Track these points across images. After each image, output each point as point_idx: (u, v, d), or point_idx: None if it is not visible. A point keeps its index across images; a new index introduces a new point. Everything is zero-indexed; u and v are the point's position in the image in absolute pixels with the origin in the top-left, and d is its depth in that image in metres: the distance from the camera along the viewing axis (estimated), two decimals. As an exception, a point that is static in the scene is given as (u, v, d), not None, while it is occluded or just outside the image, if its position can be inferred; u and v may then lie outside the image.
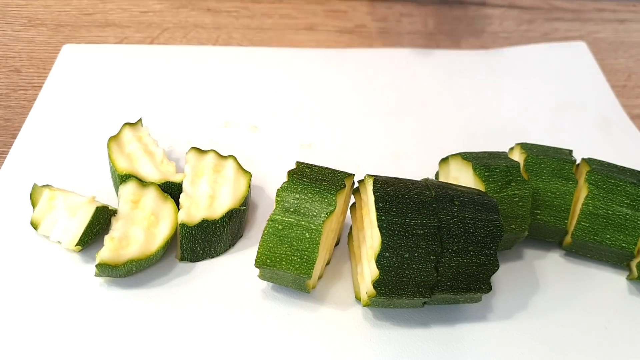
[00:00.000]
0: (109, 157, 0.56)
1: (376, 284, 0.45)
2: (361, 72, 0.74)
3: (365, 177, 0.50)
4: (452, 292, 0.46)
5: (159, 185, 0.54)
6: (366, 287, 0.47)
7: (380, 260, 0.45)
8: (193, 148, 0.57)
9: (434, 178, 0.59)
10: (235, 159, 0.57)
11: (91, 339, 0.47)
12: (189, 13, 0.83)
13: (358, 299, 0.50)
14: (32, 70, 0.73)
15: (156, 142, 0.58)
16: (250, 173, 0.56)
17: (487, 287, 0.47)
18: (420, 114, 0.70)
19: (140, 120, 0.60)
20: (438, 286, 0.46)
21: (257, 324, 0.49)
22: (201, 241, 0.52)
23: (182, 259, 0.53)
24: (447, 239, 0.46)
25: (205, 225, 0.51)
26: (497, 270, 0.47)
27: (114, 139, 0.57)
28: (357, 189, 0.52)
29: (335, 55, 0.77)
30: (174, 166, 0.57)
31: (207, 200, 0.53)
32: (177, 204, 0.53)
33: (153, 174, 0.55)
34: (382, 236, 0.45)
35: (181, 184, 0.54)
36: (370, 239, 0.47)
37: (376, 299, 0.46)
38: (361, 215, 0.51)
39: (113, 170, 0.55)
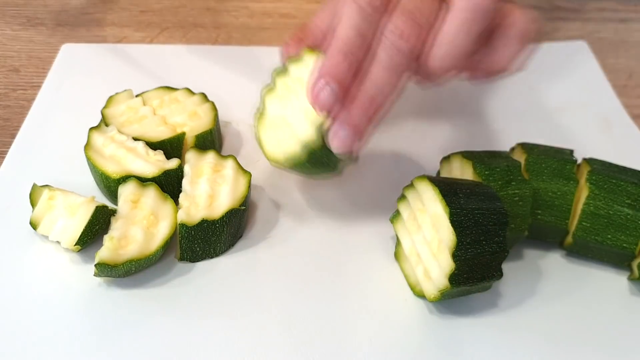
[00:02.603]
0: (95, 166, 0.55)
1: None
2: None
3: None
4: (469, 283, 0.47)
5: (159, 176, 0.54)
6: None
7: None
8: (192, 148, 0.57)
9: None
10: (235, 159, 0.57)
11: (91, 339, 0.47)
12: (189, 12, 0.83)
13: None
14: (31, 70, 0.73)
15: (129, 137, 0.57)
16: (250, 173, 0.56)
17: (499, 274, 0.48)
18: (420, 114, 0.70)
19: (101, 121, 0.59)
20: (455, 280, 0.46)
21: (257, 324, 0.49)
22: (200, 241, 0.52)
23: (182, 258, 0.53)
24: (460, 231, 0.46)
25: (205, 225, 0.51)
26: (507, 255, 0.48)
27: (89, 147, 0.56)
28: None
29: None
30: (162, 154, 0.57)
31: (206, 200, 0.52)
32: (176, 193, 0.54)
33: (147, 168, 0.55)
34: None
35: (178, 170, 0.54)
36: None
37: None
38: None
39: (104, 177, 0.54)
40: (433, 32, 0.46)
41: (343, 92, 0.45)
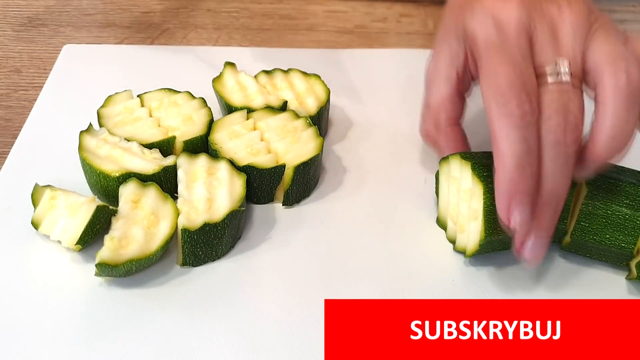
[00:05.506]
0: (92, 167, 0.54)
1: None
2: (361, 73, 0.74)
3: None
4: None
5: (158, 173, 0.54)
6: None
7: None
8: (183, 152, 0.57)
9: (434, 178, 0.59)
10: (227, 160, 0.56)
11: (91, 338, 0.48)
12: (189, 14, 0.83)
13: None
14: (32, 71, 0.73)
15: (122, 139, 0.57)
16: (244, 174, 0.56)
17: None
18: (419, 114, 0.70)
19: (91, 124, 0.59)
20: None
21: (258, 324, 0.50)
22: (203, 245, 0.52)
23: (184, 264, 0.53)
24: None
25: (207, 228, 0.51)
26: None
27: (82, 150, 0.56)
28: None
29: (334, 55, 0.77)
30: (158, 152, 0.57)
31: (205, 204, 0.52)
32: (176, 190, 0.54)
33: (146, 166, 0.55)
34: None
35: (176, 167, 0.55)
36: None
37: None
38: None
39: (102, 177, 0.54)
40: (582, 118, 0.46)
41: (532, 207, 0.45)
